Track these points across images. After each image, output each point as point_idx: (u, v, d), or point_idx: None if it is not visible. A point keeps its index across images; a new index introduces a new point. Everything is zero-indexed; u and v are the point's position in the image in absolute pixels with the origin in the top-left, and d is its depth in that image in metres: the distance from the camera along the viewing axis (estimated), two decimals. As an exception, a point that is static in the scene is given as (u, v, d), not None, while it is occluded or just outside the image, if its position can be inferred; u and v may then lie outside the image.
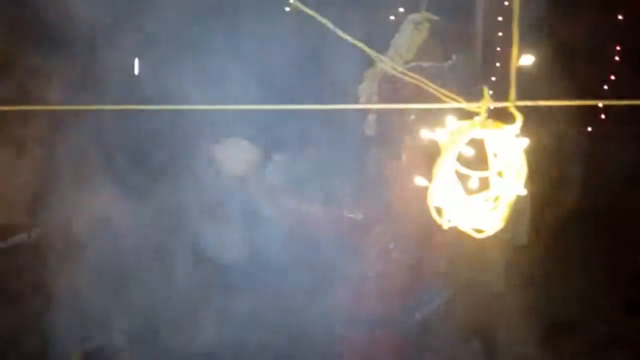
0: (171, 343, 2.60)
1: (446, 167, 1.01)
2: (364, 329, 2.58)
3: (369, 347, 2.57)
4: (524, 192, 1.00)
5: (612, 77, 3.50)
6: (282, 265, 2.56)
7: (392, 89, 2.62)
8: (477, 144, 1.02)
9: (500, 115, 1.01)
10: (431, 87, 0.97)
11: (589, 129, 3.59)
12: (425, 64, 2.74)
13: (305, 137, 3.12)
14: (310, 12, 0.92)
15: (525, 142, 0.97)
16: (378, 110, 2.77)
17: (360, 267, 2.61)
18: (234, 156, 2.89)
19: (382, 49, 2.94)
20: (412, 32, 2.79)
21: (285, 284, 2.52)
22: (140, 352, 2.47)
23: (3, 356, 2.50)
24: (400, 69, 0.97)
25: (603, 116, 3.63)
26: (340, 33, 0.91)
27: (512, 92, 0.97)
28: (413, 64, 2.66)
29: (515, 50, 0.96)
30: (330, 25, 0.90)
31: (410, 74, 0.97)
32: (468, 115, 1.03)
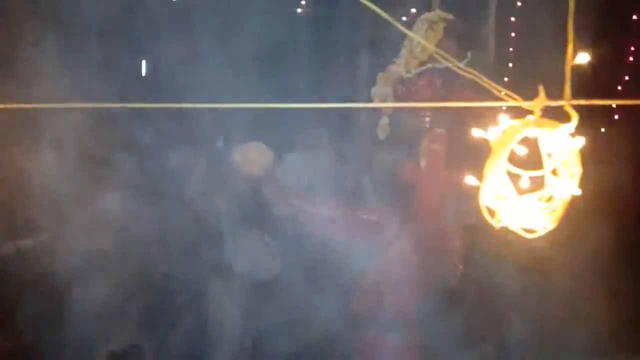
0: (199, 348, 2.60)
1: (498, 166, 0.99)
2: (392, 332, 2.56)
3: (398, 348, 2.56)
4: (578, 192, 0.99)
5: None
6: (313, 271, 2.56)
7: (407, 91, 2.60)
8: (529, 143, 1.01)
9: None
10: (488, 84, 0.95)
11: (602, 129, 3.59)
12: (439, 65, 2.70)
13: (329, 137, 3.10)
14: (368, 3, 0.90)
15: (581, 141, 0.96)
16: (392, 113, 2.73)
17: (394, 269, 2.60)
18: (255, 159, 2.88)
19: (394, 50, 2.91)
20: (426, 32, 2.76)
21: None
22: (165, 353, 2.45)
23: (28, 355, 2.50)
24: (457, 65, 0.95)
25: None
26: (400, 27, 0.89)
27: (567, 91, 0.96)
28: (429, 65, 2.63)
29: (570, 48, 0.94)
30: (396, 23, 0.88)
31: (468, 69, 0.95)
32: (515, 113, 1.02)
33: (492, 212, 1.02)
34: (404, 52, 2.80)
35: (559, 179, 0.98)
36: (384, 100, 2.68)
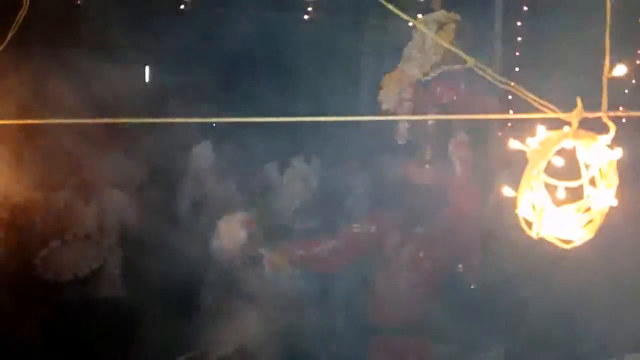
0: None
1: (535, 177, 1.00)
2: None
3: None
4: (615, 202, 0.99)
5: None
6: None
7: (430, 95, 2.58)
8: (566, 153, 1.01)
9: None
10: (526, 96, 0.96)
11: None
12: (452, 67, 2.69)
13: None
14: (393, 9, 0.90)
15: (619, 152, 0.97)
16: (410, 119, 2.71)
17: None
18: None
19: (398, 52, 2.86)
20: (438, 34, 2.72)
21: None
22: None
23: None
24: (494, 77, 0.95)
25: None
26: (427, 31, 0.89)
27: (604, 102, 0.96)
28: (444, 67, 2.62)
29: (607, 60, 0.95)
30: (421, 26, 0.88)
31: (502, 79, 0.96)
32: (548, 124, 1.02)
33: (528, 223, 1.03)
34: (412, 53, 2.76)
35: (597, 190, 0.98)
36: (398, 104, 2.66)
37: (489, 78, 0.95)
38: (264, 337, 2.56)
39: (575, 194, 1.04)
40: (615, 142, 0.98)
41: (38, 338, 2.85)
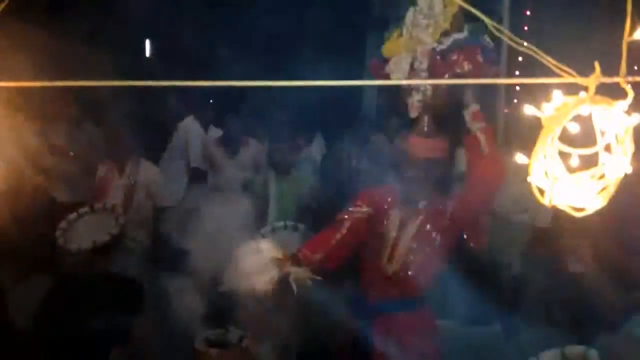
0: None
1: (549, 143, 0.98)
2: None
3: None
4: (629, 170, 0.98)
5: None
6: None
7: (443, 64, 2.46)
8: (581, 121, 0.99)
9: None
10: (545, 59, 0.93)
11: None
12: (460, 35, 2.57)
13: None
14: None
15: (636, 119, 0.95)
16: (426, 89, 2.49)
17: None
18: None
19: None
20: (445, 1, 2.57)
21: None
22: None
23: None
24: (515, 39, 0.92)
25: None
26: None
27: (623, 67, 0.94)
28: (455, 35, 2.50)
29: (628, 22, 0.92)
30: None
31: (523, 43, 0.94)
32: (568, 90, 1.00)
33: (541, 191, 1.01)
34: (418, 19, 2.52)
35: (612, 157, 0.97)
36: (410, 76, 2.48)
37: (505, 39, 0.93)
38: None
39: (589, 163, 1.03)
40: (632, 108, 0.96)
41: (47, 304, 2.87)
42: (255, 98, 5.03)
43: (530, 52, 0.93)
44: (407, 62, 2.49)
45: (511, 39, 0.93)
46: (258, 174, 4.62)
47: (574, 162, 1.00)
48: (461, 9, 2.45)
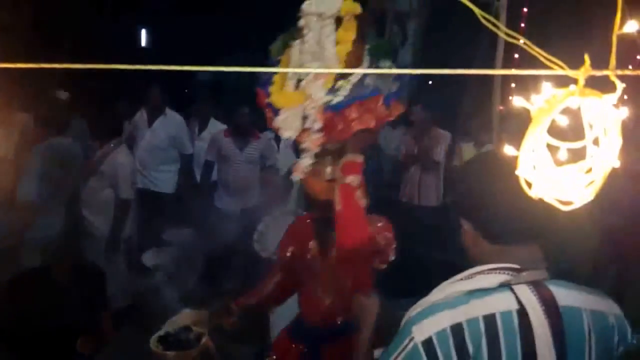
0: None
1: (537, 136, 0.98)
2: None
3: None
4: (617, 164, 0.98)
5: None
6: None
7: (343, 123, 2.03)
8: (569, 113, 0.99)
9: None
10: (535, 52, 0.93)
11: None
12: (356, 79, 2.04)
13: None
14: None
15: (624, 112, 0.95)
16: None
17: None
18: None
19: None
20: (338, 33, 2.03)
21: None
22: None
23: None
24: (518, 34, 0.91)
25: None
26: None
27: (613, 60, 0.94)
28: (353, 79, 2.02)
29: (618, 15, 0.92)
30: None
31: (511, 33, 0.93)
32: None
33: (529, 184, 1.01)
34: (304, 59, 2.03)
35: (600, 150, 0.97)
36: (302, 136, 2.06)
37: (498, 33, 0.92)
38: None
39: (577, 157, 1.03)
40: (621, 102, 0.96)
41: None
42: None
43: (522, 45, 0.92)
44: (299, 118, 2.05)
45: (504, 32, 0.92)
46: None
47: (562, 155, 1.00)
48: (359, 35, 2.05)
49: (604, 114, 0.95)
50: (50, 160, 3.80)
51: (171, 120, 5.47)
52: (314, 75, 2.00)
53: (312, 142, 2.08)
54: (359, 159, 2.08)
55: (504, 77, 4.22)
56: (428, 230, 5.53)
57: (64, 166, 3.93)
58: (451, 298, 1.31)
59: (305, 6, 2.06)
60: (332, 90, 2.00)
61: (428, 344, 1.27)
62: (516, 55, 3.98)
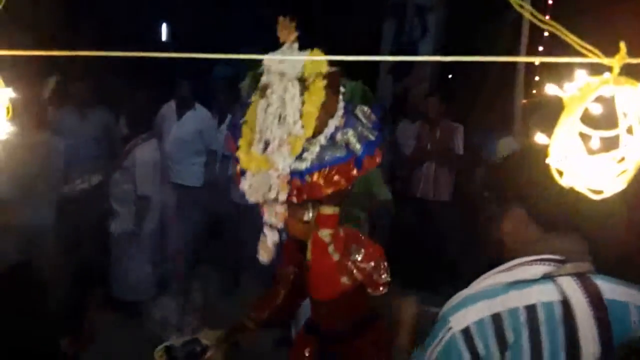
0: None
1: (570, 125, 0.97)
2: None
3: None
4: (651, 153, 0.96)
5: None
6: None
7: (311, 192, 1.96)
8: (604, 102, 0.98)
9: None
10: (569, 38, 0.92)
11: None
12: (326, 142, 1.96)
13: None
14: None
15: (659, 100, 0.93)
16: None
17: None
18: None
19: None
20: (304, 97, 1.89)
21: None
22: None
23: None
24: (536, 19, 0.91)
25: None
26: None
27: (649, 48, 0.93)
28: (322, 142, 1.91)
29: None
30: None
31: (551, 22, 0.92)
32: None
33: (560, 172, 1.01)
34: (268, 126, 1.90)
35: (634, 139, 0.96)
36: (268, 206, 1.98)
37: (527, 16, 0.92)
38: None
39: (610, 145, 1.02)
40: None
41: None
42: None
43: (553, 29, 0.92)
44: (265, 184, 1.93)
45: (535, 17, 0.91)
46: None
47: (595, 144, 0.99)
48: (333, 90, 1.92)
49: (639, 103, 0.94)
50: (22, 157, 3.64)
51: (200, 115, 5.50)
52: (279, 142, 1.87)
53: (278, 218, 2.01)
54: (335, 210, 2.01)
55: (527, 71, 4.17)
56: (443, 225, 5.51)
57: (40, 163, 3.73)
58: (489, 289, 1.30)
59: (266, 62, 1.92)
60: (300, 157, 1.89)
61: (466, 333, 1.26)
62: (540, 48, 3.93)
